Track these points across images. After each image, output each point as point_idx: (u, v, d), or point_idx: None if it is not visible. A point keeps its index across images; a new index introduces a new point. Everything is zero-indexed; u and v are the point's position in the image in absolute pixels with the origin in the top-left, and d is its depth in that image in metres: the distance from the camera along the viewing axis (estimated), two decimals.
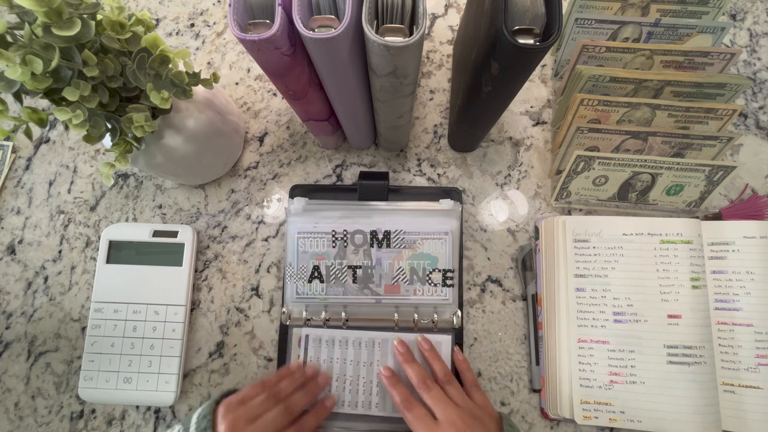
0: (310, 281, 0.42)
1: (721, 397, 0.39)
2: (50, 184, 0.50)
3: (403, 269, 0.42)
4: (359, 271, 0.42)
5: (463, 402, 0.36)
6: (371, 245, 0.42)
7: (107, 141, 0.38)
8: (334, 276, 0.42)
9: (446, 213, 0.43)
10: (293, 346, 0.42)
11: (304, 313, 0.42)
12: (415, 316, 0.42)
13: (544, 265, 0.43)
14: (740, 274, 0.41)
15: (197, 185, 0.49)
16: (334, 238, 0.42)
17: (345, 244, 0.42)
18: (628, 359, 0.40)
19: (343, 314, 0.42)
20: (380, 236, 0.42)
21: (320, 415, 0.38)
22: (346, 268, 0.42)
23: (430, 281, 0.42)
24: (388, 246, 0.42)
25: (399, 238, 0.42)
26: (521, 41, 0.26)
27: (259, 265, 0.47)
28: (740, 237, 0.41)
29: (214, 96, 0.43)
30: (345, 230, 0.42)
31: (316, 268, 0.42)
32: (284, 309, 0.43)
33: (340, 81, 0.33)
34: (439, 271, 0.42)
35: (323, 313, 0.42)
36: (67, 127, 0.32)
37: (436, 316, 0.42)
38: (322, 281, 0.42)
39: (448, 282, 0.42)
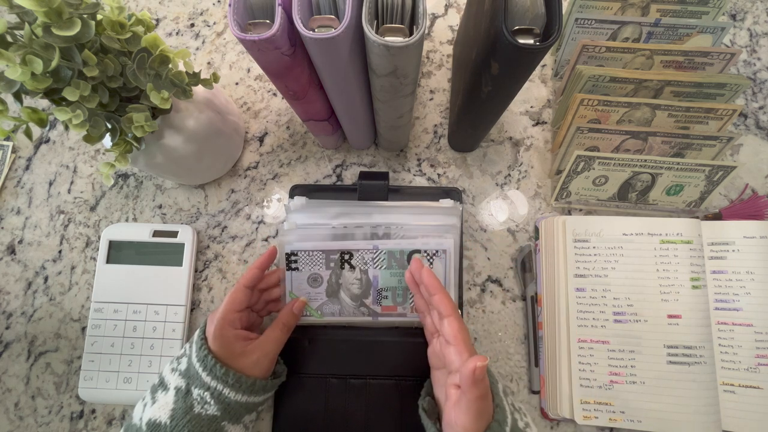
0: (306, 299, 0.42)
1: (721, 397, 0.39)
2: (50, 184, 0.50)
3: (397, 288, 0.41)
4: (356, 289, 0.41)
5: None
6: (367, 264, 0.41)
7: (107, 141, 0.38)
8: (330, 294, 0.41)
9: (446, 214, 0.43)
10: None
11: (303, 323, 0.42)
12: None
13: (544, 265, 0.44)
14: (740, 274, 0.41)
15: (197, 185, 0.49)
16: (330, 259, 0.41)
17: (341, 264, 0.41)
18: (628, 359, 0.40)
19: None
20: (379, 256, 0.41)
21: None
22: (342, 286, 0.41)
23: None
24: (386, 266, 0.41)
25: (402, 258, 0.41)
26: (521, 41, 0.26)
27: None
28: (740, 237, 0.41)
29: (214, 96, 0.43)
30: (341, 250, 0.40)
31: (312, 285, 0.41)
32: None
33: (340, 81, 0.33)
34: None
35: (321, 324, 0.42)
36: (67, 127, 0.32)
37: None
38: (318, 300, 0.41)
39: None
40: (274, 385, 0.38)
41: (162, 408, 0.34)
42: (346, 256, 0.40)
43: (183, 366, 0.36)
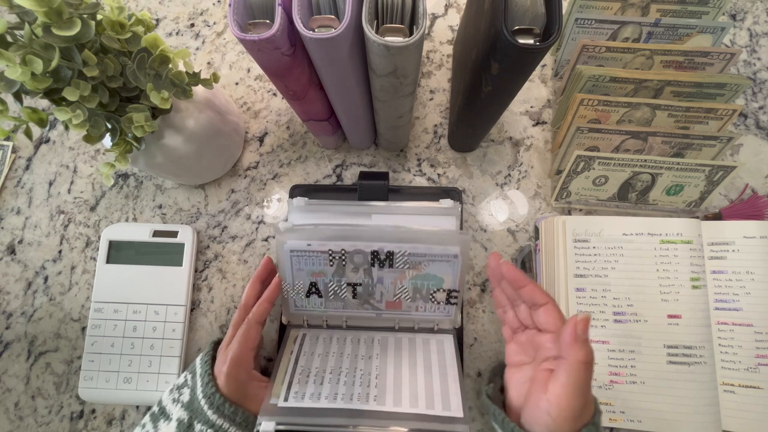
0: (307, 296, 0.41)
1: (721, 397, 0.39)
2: (50, 184, 0.50)
3: (405, 288, 0.41)
4: (359, 288, 0.41)
5: None
6: (372, 265, 0.40)
7: (107, 141, 0.38)
8: (332, 292, 0.41)
9: (446, 215, 0.42)
10: (288, 342, 0.41)
11: (305, 316, 0.42)
12: (417, 324, 0.42)
13: (544, 266, 0.43)
14: (740, 274, 0.41)
15: (197, 185, 0.49)
16: (331, 257, 0.40)
17: (343, 263, 0.40)
18: (628, 359, 0.40)
19: (344, 317, 0.42)
20: (382, 257, 0.39)
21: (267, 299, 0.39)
22: (345, 285, 0.41)
23: (433, 299, 0.41)
24: (391, 266, 0.40)
25: (403, 259, 0.40)
26: (521, 41, 0.26)
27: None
28: (740, 237, 0.41)
29: (214, 96, 0.43)
30: (343, 250, 0.39)
31: (313, 284, 0.41)
32: (284, 318, 0.42)
33: (340, 81, 0.33)
34: (444, 291, 0.40)
35: (324, 315, 0.42)
36: (67, 127, 0.32)
37: (437, 324, 0.42)
38: (320, 296, 0.41)
39: (452, 301, 0.41)
40: None
41: None
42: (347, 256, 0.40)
43: (185, 398, 0.35)
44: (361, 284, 0.40)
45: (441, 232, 0.40)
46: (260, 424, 0.33)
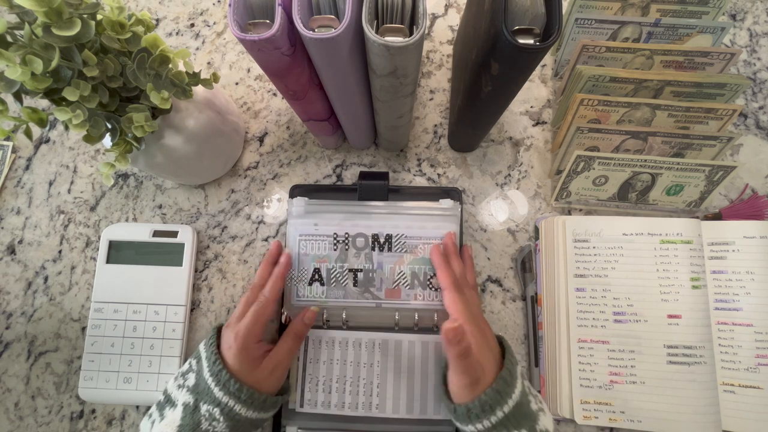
0: (310, 284, 0.42)
1: (721, 397, 0.39)
2: (50, 184, 0.50)
3: (404, 273, 0.42)
4: (360, 275, 0.42)
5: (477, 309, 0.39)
6: (372, 249, 0.43)
7: (107, 141, 0.38)
8: (334, 279, 0.42)
9: (446, 215, 0.43)
10: None
11: None
12: (416, 315, 0.42)
13: (544, 266, 0.44)
14: (740, 274, 0.41)
15: (197, 185, 0.49)
16: (335, 241, 0.43)
17: (346, 247, 0.43)
18: (628, 359, 0.40)
19: (344, 314, 0.42)
20: (382, 240, 0.43)
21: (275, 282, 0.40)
22: (347, 271, 0.42)
23: (430, 286, 0.42)
24: (390, 250, 0.42)
25: (400, 242, 0.42)
26: (521, 41, 0.26)
27: (259, 265, 0.47)
28: (740, 237, 0.41)
29: (214, 96, 0.43)
30: (347, 233, 0.43)
31: (317, 270, 0.42)
32: (284, 311, 0.43)
33: (340, 81, 0.33)
34: None
35: (324, 314, 0.42)
36: (67, 127, 0.32)
37: (436, 317, 0.42)
38: (322, 284, 0.42)
39: None
40: (282, 401, 0.38)
41: (169, 425, 0.33)
42: (350, 240, 0.43)
43: (191, 381, 0.35)
44: (362, 270, 0.42)
45: (434, 207, 0.44)
46: (284, 428, 0.41)
